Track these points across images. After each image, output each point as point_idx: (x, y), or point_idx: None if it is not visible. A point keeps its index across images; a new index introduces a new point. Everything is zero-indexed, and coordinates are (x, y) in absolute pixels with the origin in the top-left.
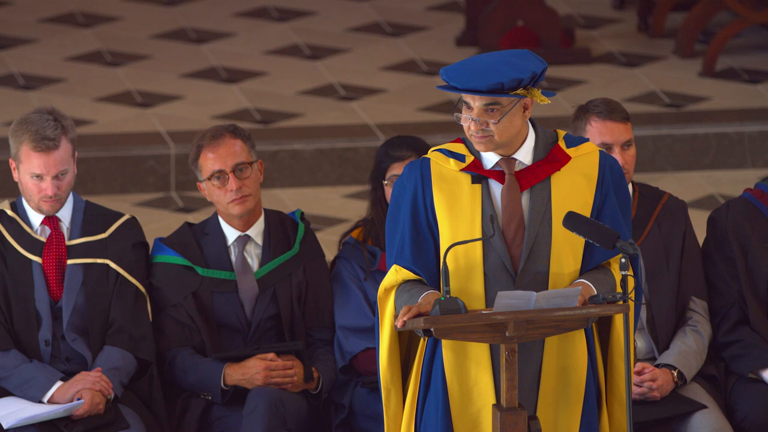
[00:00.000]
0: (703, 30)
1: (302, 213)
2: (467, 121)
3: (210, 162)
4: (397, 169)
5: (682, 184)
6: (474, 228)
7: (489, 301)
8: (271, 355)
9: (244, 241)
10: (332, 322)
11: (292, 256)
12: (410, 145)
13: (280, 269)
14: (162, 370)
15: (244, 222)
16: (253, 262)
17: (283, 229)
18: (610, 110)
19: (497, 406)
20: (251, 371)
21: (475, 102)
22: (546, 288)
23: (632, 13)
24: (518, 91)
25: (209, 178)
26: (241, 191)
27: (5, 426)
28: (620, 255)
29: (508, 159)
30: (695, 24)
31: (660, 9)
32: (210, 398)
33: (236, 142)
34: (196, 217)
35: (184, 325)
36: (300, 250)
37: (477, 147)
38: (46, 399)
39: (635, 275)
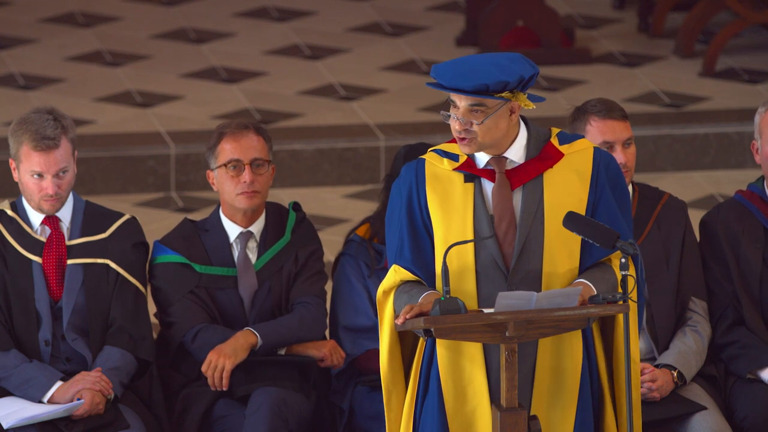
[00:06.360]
0: (703, 30)
1: (295, 203)
2: (453, 120)
3: (229, 150)
4: None
5: (682, 184)
6: (466, 227)
7: (481, 300)
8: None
9: (246, 237)
10: (318, 294)
11: (285, 244)
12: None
13: (275, 260)
14: (179, 353)
15: (248, 218)
16: (255, 258)
17: (281, 220)
18: (609, 109)
19: (497, 405)
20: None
21: (461, 101)
22: (539, 286)
23: (632, 13)
24: (503, 94)
25: (225, 165)
26: (252, 186)
27: (5, 426)
28: (620, 254)
29: (498, 158)
30: (695, 24)
31: (660, 9)
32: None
33: (258, 138)
34: (196, 217)
35: (203, 306)
36: (292, 238)
37: (461, 149)
38: (46, 399)
39: (638, 274)
